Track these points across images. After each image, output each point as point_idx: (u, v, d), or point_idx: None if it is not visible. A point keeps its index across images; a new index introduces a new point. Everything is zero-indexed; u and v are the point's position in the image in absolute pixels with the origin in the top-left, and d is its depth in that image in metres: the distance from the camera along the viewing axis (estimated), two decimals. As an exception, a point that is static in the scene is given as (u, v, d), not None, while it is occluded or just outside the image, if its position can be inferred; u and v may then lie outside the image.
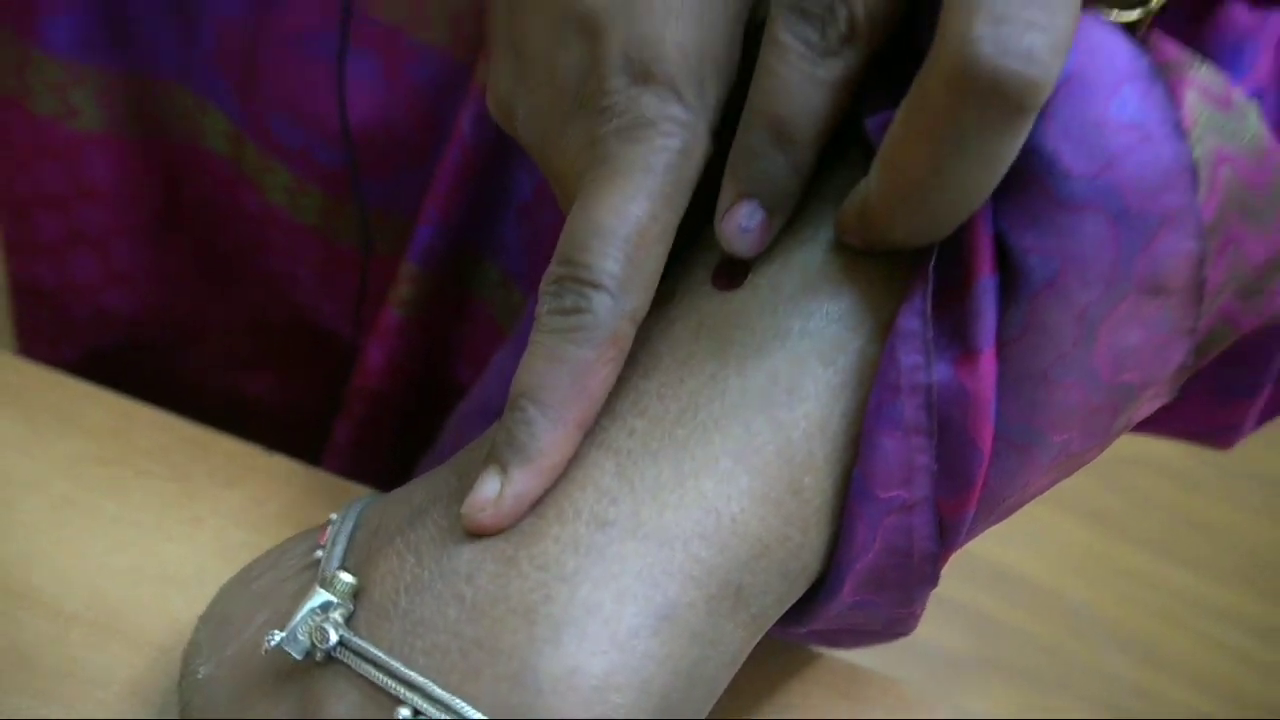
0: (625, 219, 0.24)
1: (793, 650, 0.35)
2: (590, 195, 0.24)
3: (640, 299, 0.24)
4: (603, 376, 0.24)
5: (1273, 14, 0.25)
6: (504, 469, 0.24)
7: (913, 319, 0.24)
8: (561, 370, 0.24)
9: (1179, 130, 0.23)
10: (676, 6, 0.24)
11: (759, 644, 0.26)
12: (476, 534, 0.24)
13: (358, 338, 0.43)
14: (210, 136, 0.41)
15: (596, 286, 0.24)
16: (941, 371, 0.24)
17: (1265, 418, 0.33)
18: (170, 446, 0.36)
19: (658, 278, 0.25)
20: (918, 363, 0.24)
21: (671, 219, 0.24)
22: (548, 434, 0.24)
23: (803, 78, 0.24)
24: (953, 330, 0.24)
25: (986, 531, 0.29)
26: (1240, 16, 0.25)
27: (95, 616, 0.32)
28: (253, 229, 0.42)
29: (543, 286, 0.25)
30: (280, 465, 0.37)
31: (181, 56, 0.40)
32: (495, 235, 0.40)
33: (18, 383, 0.37)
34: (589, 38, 0.25)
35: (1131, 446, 0.36)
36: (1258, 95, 0.25)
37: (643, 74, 0.24)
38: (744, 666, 0.26)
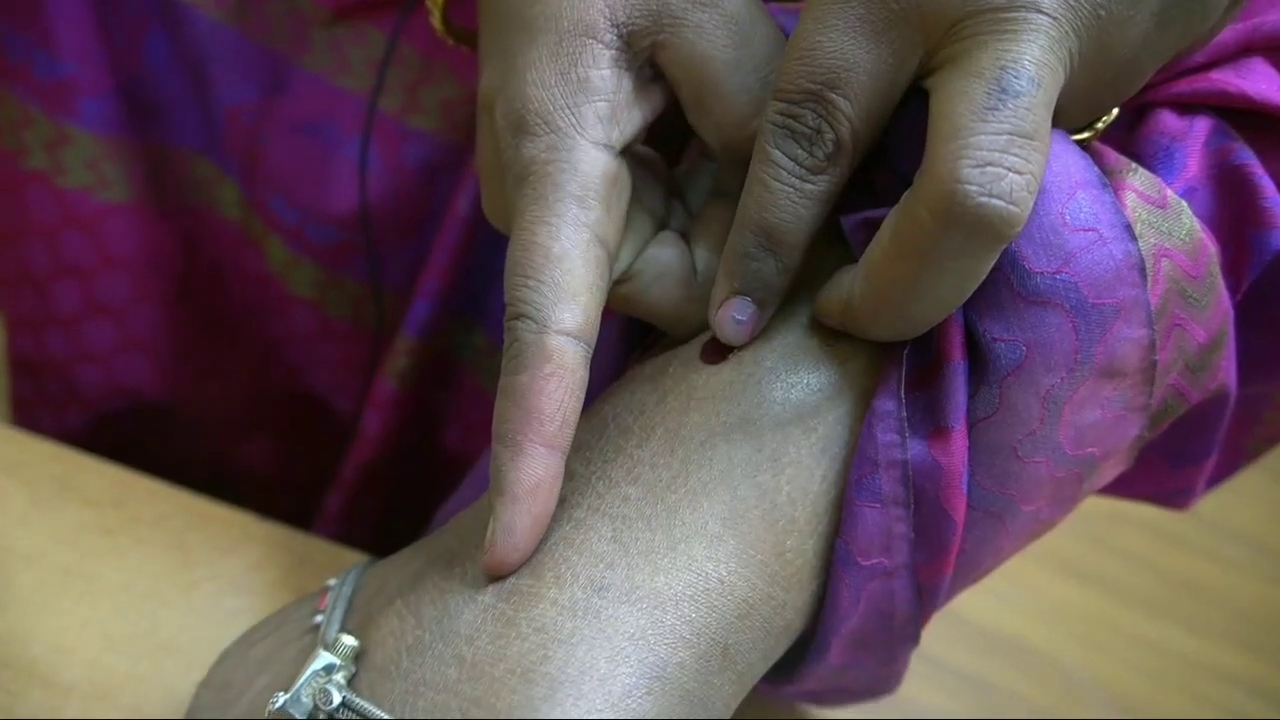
0: (527, 248, 0.26)
1: (783, 710, 0.36)
2: (509, 243, 0.26)
3: (568, 312, 0.25)
4: (548, 394, 0.25)
5: (1198, 119, 0.27)
6: (492, 508, 0.25)
7: (889, 401, 0.26)
8: (507, 401, 0.25)
9: (1129, 231, 0.25)
10: (532, 62, 0.26)
11: (748, 705, 0.27)
12: (491, 574, 0.25)
13: (358, 410, 0.44)
14: (223, 204, 0.43)
15: (518, 317, 0.25)
16: (916, 448, 0.26)
17: (1214, 481, 0.35)
18: (168, 515, 0.37)
19: (587, 286, 0.26)
20: (894, 440, 0.26)
21: (576, 231, 0.26)
22: (509, 463, 0.25)
23: (792, 191, 0.26)
24: (926, 409, 0.26)
25: (979, 594, 0.30)
26: (1170, 122, 0.27)
27: (92, 687, 0.32)
28: (256, 293, 0.44)
29: None
30: (275, 532, 0.38)
31: (203, 133, 0.42)
32: (485, 303, 0.42)
33: (19, 455, 0.37)
34: (488, 117, 0.28)
35: (1118, 505, 0.37)
36: (1189, 193, 0.27)
37: (517, 126, 0.27)
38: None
